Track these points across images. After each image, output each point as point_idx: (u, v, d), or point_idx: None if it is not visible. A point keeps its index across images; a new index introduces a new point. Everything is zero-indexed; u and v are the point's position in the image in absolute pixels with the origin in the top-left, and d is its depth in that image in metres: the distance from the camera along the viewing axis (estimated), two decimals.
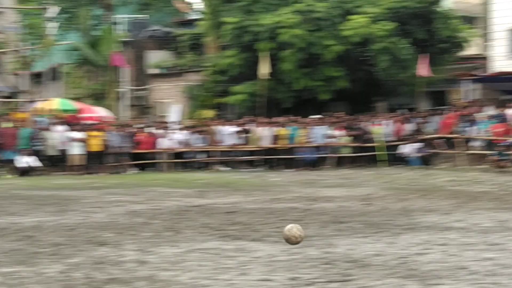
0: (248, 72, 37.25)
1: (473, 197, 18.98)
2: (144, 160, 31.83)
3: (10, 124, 28.99)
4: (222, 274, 9.15)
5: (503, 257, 10.29)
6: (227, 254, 10.61)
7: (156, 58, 42.30)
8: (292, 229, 9.76)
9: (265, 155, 33.13)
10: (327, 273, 9.22)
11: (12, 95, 44.06)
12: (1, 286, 8.46)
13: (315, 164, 33.50)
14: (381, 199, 18.70)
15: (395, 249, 10.98)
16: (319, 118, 34.87)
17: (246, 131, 33.14)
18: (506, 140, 30.01)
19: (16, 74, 41.80)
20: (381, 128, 34.32)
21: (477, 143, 31.95)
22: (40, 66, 36.50)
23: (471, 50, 40.38)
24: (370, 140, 34.23)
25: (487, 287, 8.35)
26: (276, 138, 33.12)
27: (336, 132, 34.00)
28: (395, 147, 34.77)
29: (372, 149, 34.29)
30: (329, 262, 9.96)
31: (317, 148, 33.59)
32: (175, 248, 11.19)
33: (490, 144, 31.05)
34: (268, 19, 35.56)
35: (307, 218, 14.79)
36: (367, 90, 39.13)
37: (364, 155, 34.52)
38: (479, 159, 31.60)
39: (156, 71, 42.13)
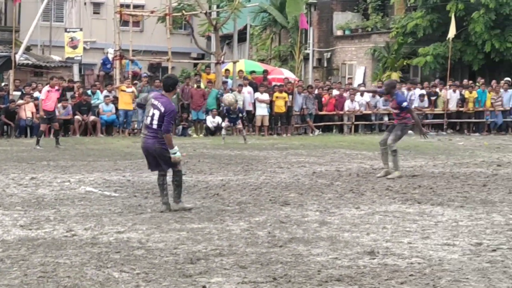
0: (436, 33, 36.61)
1: None
2: (328, 121, 31.99)
3: (199, 85, 29.82)
4: (403, 237, 9.14)
5: None
6: (408, 218, 10.56)
7: (341, 19, 42.18)
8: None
9: (452, 119, 32.52)
10: None
11: (201, 56, 45.33)
12: (189, 241, 8.83)
13: (503, 128, 32.66)
14: None
15: None
16: (509, 81, 33.80)
17: (433, 94, 32.58)
18: None
19: (204, 36, 42.88)
20: None
21: None
22: (228, 28, 37.27)
23: None
24: None
25: None
26: (463, 101, 32.40)
27: None
28: None
29: None
30: None
31: (506, 112, 32.65)
32: (356, 210, 11.26)
33: None
34: None
35: (493, 183, 14.46)
36: None
37: None
38: None
39: (341, 32, 42.01)
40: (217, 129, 29.26)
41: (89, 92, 29.08)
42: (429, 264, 7.71)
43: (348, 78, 38.89)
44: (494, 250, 8.39)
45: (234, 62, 32.88)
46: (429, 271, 7.41)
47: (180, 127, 29.21)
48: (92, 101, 28.55)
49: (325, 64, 42.60)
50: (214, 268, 7.49)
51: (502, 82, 33.44)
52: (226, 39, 43.17)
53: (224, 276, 7.17)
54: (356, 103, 31.70)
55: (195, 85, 29.92)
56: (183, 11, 32.97)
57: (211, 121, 29.14)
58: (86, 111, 28.03)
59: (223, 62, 32.92)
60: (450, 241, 8.90)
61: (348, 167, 17.35)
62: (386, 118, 32.32)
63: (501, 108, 32.49)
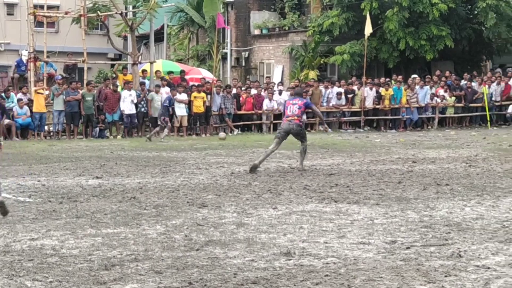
0: (352, 32, 37.00)
1: None
2: (247, 121, 32.02)
3: (116, 89, 29.44)
4: (319, 237, 9.19)
5: None
6: (325, 217, 10.63)
7: (258, 18, 42.29)
8: None
9: (368, 116, 32.92)
10: (425, 236, 9.16)
11: (118, 57, 44.87)
12: (104, 246, 8.71)
13: (419, 124, 33.22)
14: (484, 160, 18.39)
15: (497, 212, 10.82)
16: (423, 78, 34.42)
17: (350, 92, 32.92)
18: None
19: (121, 37, 42.49)
20: (487, 88, 33.70)
21: None
22: (144, 28, 37.01)
23: None
24: (476, 100, 33.69)
25: None
26: (379, 98, 32.82)
27: (441, 92, 33.53)
28: (501, 107, 34.18)
29: (478, 109, 33.78)
30: (428, 225, 9.88)
31: (421, 108, 33.21)
32: (274, 210, 11.28)
33: None
34: None
35: (408, 180, 14.68)
36: (473, 49, 38.49)
37: (469, 116, 34.06)
38: None
39: (259, 31, 42.13)
40: (135, 119, 29.00)
41: (3, 95, 28.49)
42: (344, 263, 7.77)
43: (267, 77, 39.03)
44: (408, 248, 8.50)
45: (151, 63, 32.65)
46: (344, 270, 7.46)
47: (97, 129, 28.84)
48: (6, 104, 27.99)
49: (243, 63, 42.66)
50: (129, 274, 7.40)
51: (417, 79, 33.99)
52: (143, 39, 42.86)
53: (139, 282, 7.10)
54: (274, 102, 31.82)
55: (112, 88, 29.48)
56: (98, 12, 32.61)
57: (128, 95, 28.84)
58: (0, 114, 27.45)
59: (140, 63, 32.67)
60: (365, 240, 8.98)
61: (267, 167, 17.38)
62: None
63: (417, 105, 33.01)
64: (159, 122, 27.09)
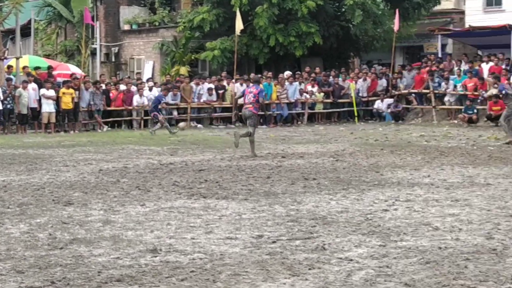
0: (222, 28, 37.10)
1: (442, 152, 19.12)
2: (117, 117, 31.64)
3: None
4: (187, 233, 9.16)
5: (466, 213, 10.39)
6: (193, 213, 10.62)
7: (128, 14, 41.89)
8: None
9: (240, 112, 33.06)
10: (291, 230, 9.27)
11: None
12: None
13: (289, 120, 33.61)
14: (351, 155, 18.77)
15: (361, 205, 11.07)
16: (293, 74, 34.84)
17: (220, 88, 33.02)
18: (478, 95, 30.23)
19: None
20: (355, 84, 34.45)
21: (449, 99, 32.10)
22: (10, 23, 36.07)
23: (446, 4, 40.59)
24: (344, 96, 34.38)
25: (448, 244, 8.41)
26: None
27: (310, 88, 34.05)
28: (368, 102, 35.02)
29: (346, 105, 34.47)
30: (294, 219, 10.01)
31: (291, 104, 33.62)
32: (142, 207, 11.18)
33: (462, 100, 31.25)
34: None
35: (277, 175, 14.83)
36: (341, 46, 39.27)
37: (338, 111, 34.72)
38: (451, 114, 31.84)
39: (129, 27, 41.75)
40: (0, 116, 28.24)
41: None
42: (210, 259, 7.77)
43: (137, 73, 38.67)
44: (274, 242, 8.58)
45: (17, 58, 31.81)
46: (210, 266, 7.46)
47: None
48: None
49: (113, 59, 42.17)
50: None
51: (287, 75, 34.39)
52: (9, 34, 41.75)
53: (0, 282, 6.89)
54: (144, 98, 31.55)
55: None
56: None
57: None
58: None
59: (5, 58, 31.80)
60: (232, 235, 9.02)
61: (136, 163, 17.24)
62: (175, 113, 32.39)
63: (287, 101, 33.39)
64: (153, 118, 28.91)
